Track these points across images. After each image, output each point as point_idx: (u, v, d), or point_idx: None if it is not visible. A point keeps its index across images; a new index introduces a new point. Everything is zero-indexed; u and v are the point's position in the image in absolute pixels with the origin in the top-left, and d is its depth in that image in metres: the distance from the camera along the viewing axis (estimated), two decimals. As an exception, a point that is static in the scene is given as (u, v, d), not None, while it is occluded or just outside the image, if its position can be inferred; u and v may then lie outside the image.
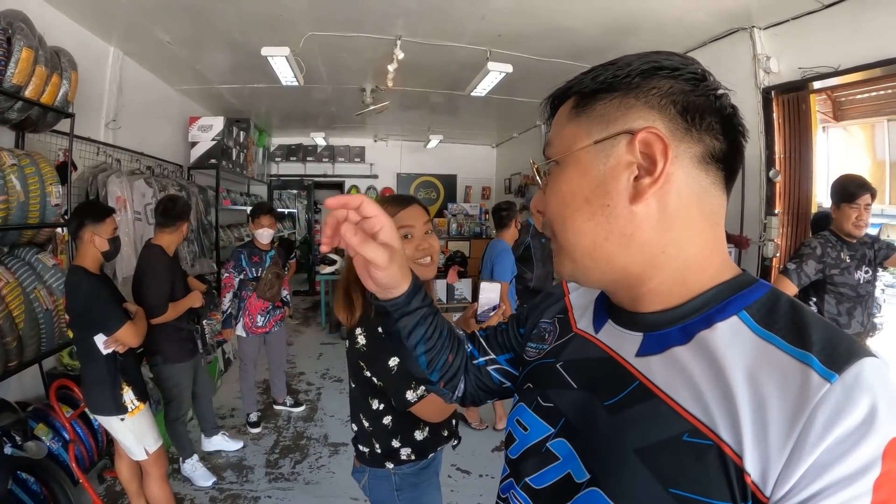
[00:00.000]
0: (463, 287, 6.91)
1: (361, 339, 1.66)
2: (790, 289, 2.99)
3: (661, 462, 0.61)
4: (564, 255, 0.74)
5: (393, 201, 1.75)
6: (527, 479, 0.78)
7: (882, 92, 4.31)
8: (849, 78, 3.65)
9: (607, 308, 0.81)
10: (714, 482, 0.56)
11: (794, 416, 0.53)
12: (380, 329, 1.58)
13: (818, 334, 0.58)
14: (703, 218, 0.68)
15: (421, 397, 1.60)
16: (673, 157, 0.64)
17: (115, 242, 2.87)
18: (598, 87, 0.70)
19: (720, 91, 0.68)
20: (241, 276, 4.43)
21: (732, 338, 0.62)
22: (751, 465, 0.55)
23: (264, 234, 4.46)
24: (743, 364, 0.59)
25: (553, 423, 0.78)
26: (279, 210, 11.41)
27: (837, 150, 4.83)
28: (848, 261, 3.06)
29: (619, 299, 0.77)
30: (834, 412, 0.51)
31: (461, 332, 1.12)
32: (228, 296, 4.44)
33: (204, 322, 3.80)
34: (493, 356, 1.09)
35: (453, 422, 1.89)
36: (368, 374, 1.68)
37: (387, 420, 1.72)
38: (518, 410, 0.87)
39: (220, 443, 4.17)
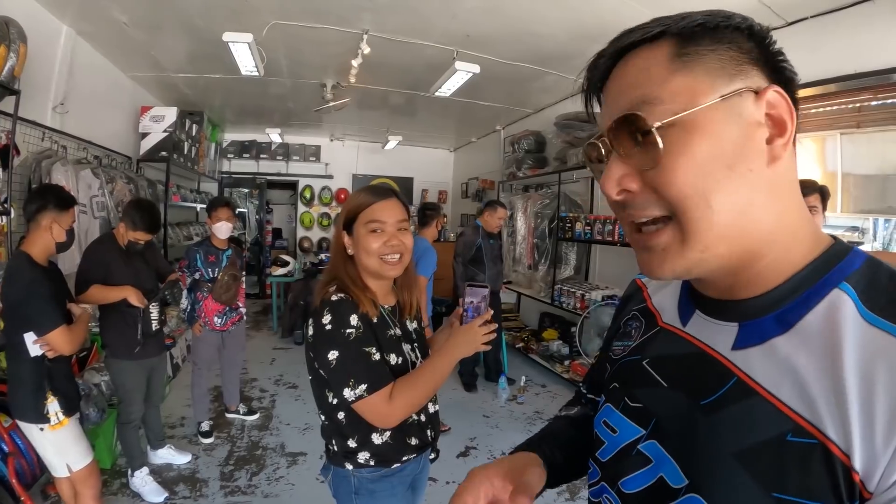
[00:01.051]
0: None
1: (310, 329, 1.60)
2: None
3: (763, 465, 0.56)
4: (693, 242, 0.61)
5: (369, 191, 1.68)
6: (619, 483, 0.74)
7: (835, 107, 4.51)
8: (807, 91, 3.79)
9: (693, 298, 0.75)
10: (820, 483, 0.52)
11: None
12: (325, 320, 1.54)
13: None
14: (797, 183, 0.64)
15: (359, 397, 1.52)
16: None
17: (70, 235, 2.68)
18: (705, 32, 0.61)
19: (775, 46, 0.63)
20: (196, 277, 4.18)
21: (836, 320, 0.57)
22: (858, 463, 0.51)
23: (223, 229, 4.19)
24: (851, 352, 0.54)
25: (643, 425, 0.73)
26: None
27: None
28: None
29: (714, 287, 0.69)
30: None
31: (575, 411, 1.07)
32: (183, 293, 4.19)
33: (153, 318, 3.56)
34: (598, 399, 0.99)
35: (428, 433, 1.78)
36: (316, 364, 1.61)
37: (341, 415, 1.64)
38: (605, 412, 0.82)
39: (166, 456, 3.91)
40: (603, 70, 0.68)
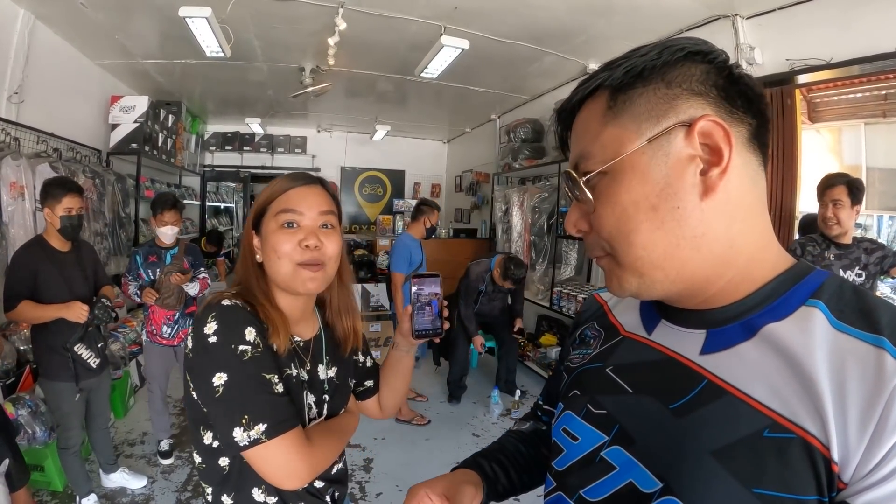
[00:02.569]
0: (380, 293, 6.40)
1: (189, 341, 1.16)
2: None
3: (742, 462, 0.58)
4: (628, 271, 0.68)
5: (286, 176, 1.30)
6: (581, 492, 0.75)
7: (860, 94, 4.18)
8: (840, 72, 3.44)
9: (658, 308, 0.78)
10: (799, 476, 0.55)
11: (874, 400, 0.53)
12: (209, 330, 1.12)
13: (887, 316, 0.58)
14: (757, 203, 0.68)
15: (255, 441, 1.08)
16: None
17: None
18: (633, 79, 0.65)
19: (739, 70, 0.66)
20: (139, 283, 3.71)
21: (807, 328, 0.61)
22: (836, 455, 0.54)
23: (167, 234, 3.72)
24: (821, 354, 0.58)
25: (606, 431, 0.74)
26: (214, 204, 10.73)
27: (811, 152, 4.64)
28: (832, 259, 3.04)
29: (683, 303, 0.72)
30: None
31: (527, 426, 1.12)
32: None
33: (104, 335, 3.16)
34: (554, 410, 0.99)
35: (328, 499, 1.36)
36: (192, 388, 1.17)
37: (223, 462, 1.21)
38: (564, 419, 0.83)
39: (120, 480, 3.52)
40: (566, 123, 0.76)
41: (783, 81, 3.73)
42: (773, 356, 0.61)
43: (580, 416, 0.79)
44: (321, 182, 1.33)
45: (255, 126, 8.82)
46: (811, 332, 0.60)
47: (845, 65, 3.31)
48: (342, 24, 4.13)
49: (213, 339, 1.12)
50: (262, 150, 9.62)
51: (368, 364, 1.56)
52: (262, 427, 1.09)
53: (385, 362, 1.56)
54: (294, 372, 1.24)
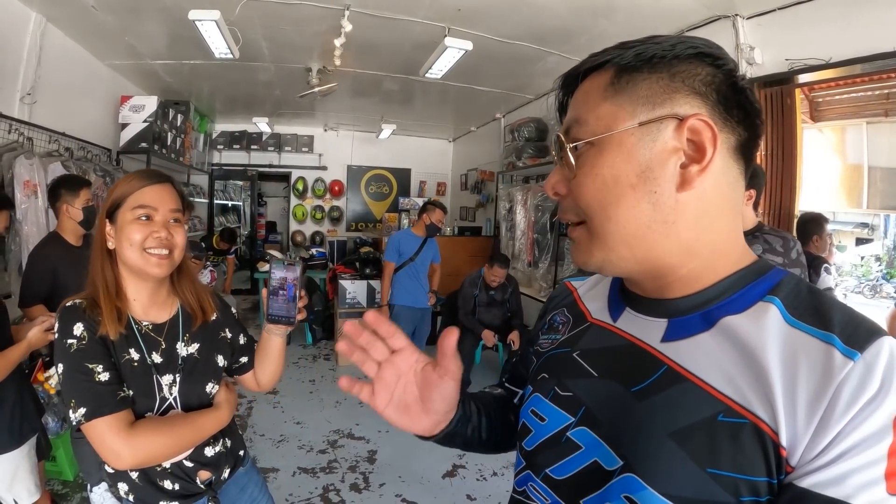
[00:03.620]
0: (357, 290, 6.47)
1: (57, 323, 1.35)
2: None
3: (698, 443, 0.62)
4: (598, 242, 0.71)
5: (141, 174, 1.45)
6: (547, 471, 0.78)
7: (861, 93, 4.18)
8: (840, 71, 3.47)
9: (623, 296, 0.82)
10: (750, 458, 0.59)
11: (821, 392, 0.56)
12: (55, 328, 1.33)
13: (838, 316, 0.61)
14: (729, 206, 0.70)
15: (79, 422, 1.27)
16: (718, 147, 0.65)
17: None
18: (641, 63, 0.68)
19: (744, 82, 0.69)
20: None
21: (763, 322, 0.64)
22: (785, 440, 0.57)
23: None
24: (775, 347, 0.61)
25: (573, 412, 0.77)
26: (222, 202, 10.80)
27: (813, 151, 4.63)
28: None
29: (644, 288, 0.77)
30: (858, 387, 0.55)
31: (499, 392, 1.12)
32: None
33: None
34: (520, 391, 1.05)
35: (198, 480, 1.50)
36: None
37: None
38: (533, 401, 0.85)
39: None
40: (568, 89, 0.77)
41: (783, 81, 3.75)
42: (729, 347, 0.64)
43: (548, 398, 0.82)
44: (171, 181, 1.48)
45: (262, 125, 8.88)
46: (766, 326, 0.63)
47: (845, 64, 3.31)
48: (348, 26, 4.16)
49: (56, 336, 1.32)
50: (269, 148, 9.67)
51: (241, 341, 1.68)
52: (82, 410, 1.26)
53: (259, 342, 1.69)
54: (136, 356, 1.38)
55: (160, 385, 1.41)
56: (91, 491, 3.17)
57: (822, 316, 0.62)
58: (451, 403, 0.84)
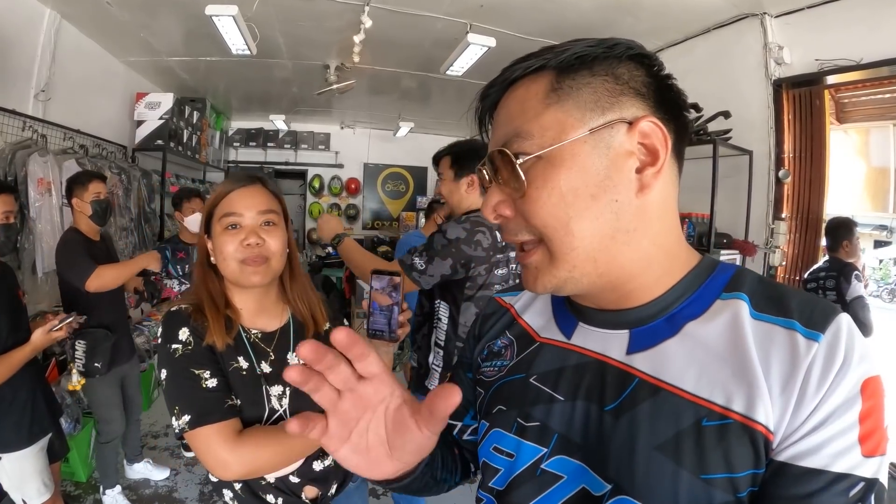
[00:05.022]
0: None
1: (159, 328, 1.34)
2: None
3: (687, 452, 0.60)
4: (559, 262, 0.67)
5: (228, 179, 1.44)
6: None
7: (889, 95, 4.09)
8: (870, 73, 3.44)
9: (574, 311, 0.79)
10: (739, 456, 0.58)
11: (793, 375, 0.58)
12: (159, 332, 1.32)
13: (794, 301, 0.63)
14: (673, 205, 0.70)
15: (182, 430, 1.23)
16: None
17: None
18: (581, 66, 0.65)
19: (672, 79, 0.69)
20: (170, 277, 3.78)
21: (728, 320, 0.65)
22: (771, 426, 0.58)
23: (194, 221, 3.71)
24: (744, 342, 0.62)
25: (544, 443, 0.73)
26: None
27: (838, 153, 4.54)
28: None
29: (597, 300, 0.74)
30: (825, 365, 0.58)
31: None
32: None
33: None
34: (460, 423, 0.97)
35: (304, 496, 1.42)
36: None
37: None
38: (494, 437, 0.80)
39: (143, 471, 3.59)
40: (493, 99, 0.73)
41: (812, 82, 3.68)
42: (699, 349, 0.64)
43: (512, 432, 0.77)
44: (261, 181, 1.40)
45: (279, 122, 8.82)
46: (732, 322, 0.64)
47: (875, 66, 3.25)
48: (368, 22, 4.09)
49: (159, 341, 1.30)
50: (285, 146, 9.62)
51: None
52: (186, 418, 1.22)
53: None
54: (244, 365, 1.34)
55: (269, 395, 1.36)
56: (104, 493, 3.18)
57: (780, 304, 0.64)
58: (423, 454, 0.66)
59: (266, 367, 1.37)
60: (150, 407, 4.69)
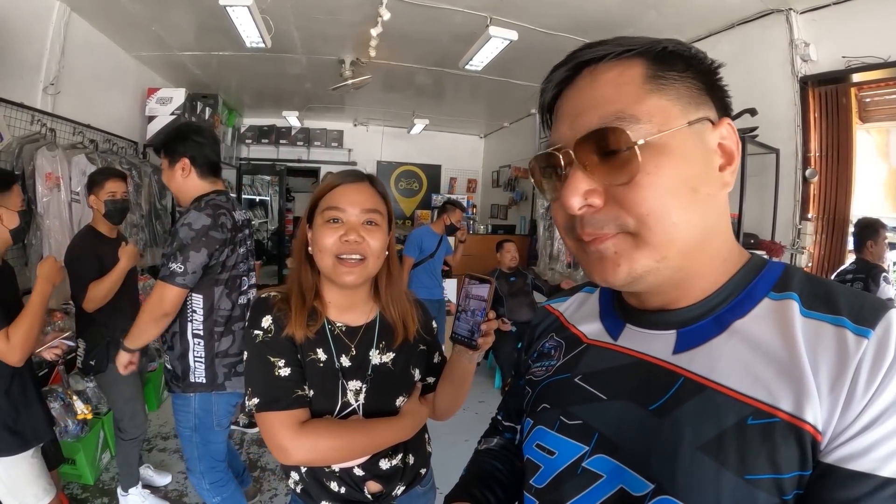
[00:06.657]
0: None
1: None
2: None
3: (731, 451, 0.59)
4: (648, 252, 0.63)
5: (337, 173, 1.42)
6: None
7: None
8: (875, 74, 3.44)
9: (622, 314, 0.79)
10: (785, 456, 0.57)
11: (842, 373, 0.56)
12: (247, 316, 1.39)
13: (844, 298, 0.62)
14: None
15: (251, 410, 1.31)
16: None
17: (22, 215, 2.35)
18: (676, 59, 0.65)
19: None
20: None
21: (779, 318, 0.63)
22: (820, 426, 0.56)
23: None
24: (796, 340, 0.60)
25: (586, 441, 0.73)
26: (249, 197, 10.76)
27: (860, 154, 4.47)
28: None
29: (647, 300, 0.73)
30: (875, 362, 0.55)
31: (496, 442, 1.07)
32: None
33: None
34: (518, 426, 1.03)
35: (366, 491, 1.41)
36: None
37: None
38: (537, 434, 0.81)
39: (144, 476, 3.46)
40: (559, 81, 0.71)
41: (838, 79, 3.61)
42: (746, 348, 0.63)
43: (554, 429, 0.78)
44: (370, 179, 1.41)
45: (291, 119, 8.78)
46: (783, 321, 0.63)
47: (880, 67, 3.26)
48: (386, 15, 4.03)
49: (245, 324, 1.39)
50: (298, 143, 9.59)
51: (436, 360, 1.59)
52: (255, 400, 1.29)
53: (446, 364, 1.54)
54: (322, 357, 1.36)
55: (345, 389, 1.38)
56: (125, 493, 3.09)
57: (829, 301, 0.62)
58: None
59: (346, 362, 1.39)
60: (158, 408, 4.60)
